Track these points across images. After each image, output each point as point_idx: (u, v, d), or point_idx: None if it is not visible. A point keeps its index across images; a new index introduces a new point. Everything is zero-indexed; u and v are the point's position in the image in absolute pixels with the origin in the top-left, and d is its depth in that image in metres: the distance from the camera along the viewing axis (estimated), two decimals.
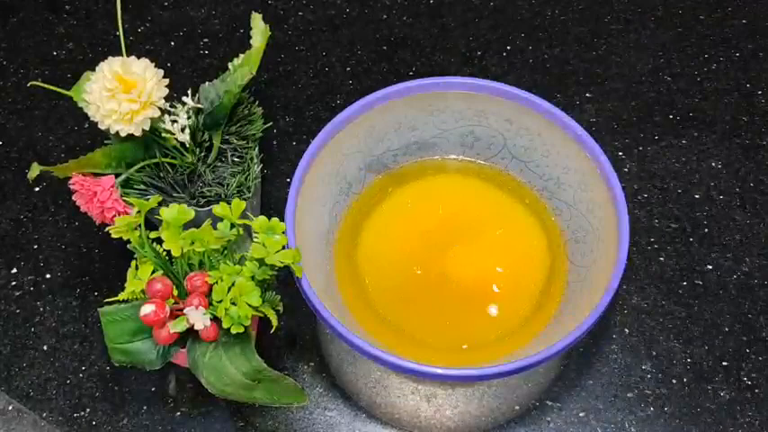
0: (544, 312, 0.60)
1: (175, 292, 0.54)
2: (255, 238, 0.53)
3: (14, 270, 0.68)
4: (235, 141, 0.64)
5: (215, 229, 0.53)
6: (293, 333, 0.65)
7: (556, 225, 0.64)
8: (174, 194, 0.62)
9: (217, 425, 0.61)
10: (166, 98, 0.58)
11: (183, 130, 0.60)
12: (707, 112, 0.76)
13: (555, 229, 0.63)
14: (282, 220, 0.54)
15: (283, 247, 0.53)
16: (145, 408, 0.62)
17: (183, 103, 0.62)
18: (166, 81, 0.58)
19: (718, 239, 0.69)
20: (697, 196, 0.71)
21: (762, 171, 0.73)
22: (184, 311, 0.53)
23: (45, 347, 0.65)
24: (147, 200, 0.53)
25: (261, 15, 0.62)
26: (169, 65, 0.80)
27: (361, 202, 0.65)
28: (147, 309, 0.52)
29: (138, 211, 0.53)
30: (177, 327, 0.52)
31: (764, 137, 0.75)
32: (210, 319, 0.53)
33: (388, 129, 0.65)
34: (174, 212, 0.53)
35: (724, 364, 0.63)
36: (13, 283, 0.68)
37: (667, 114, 0.76)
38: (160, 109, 0.58)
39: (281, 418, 0.62)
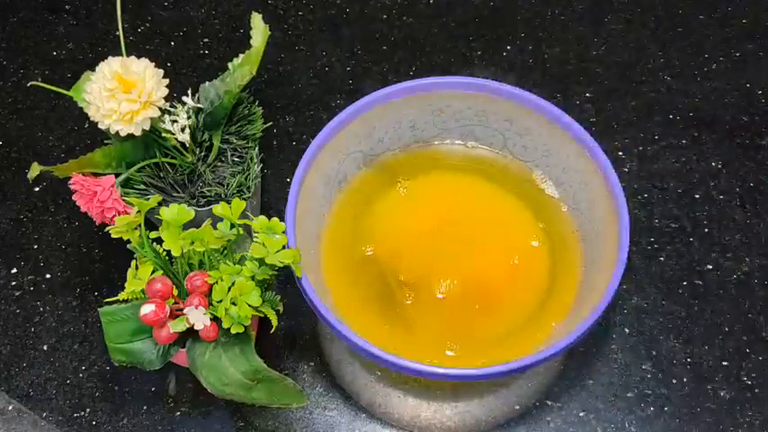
0: (546, 312, 0.60)
1: (175, 292, 0.54)
2: (255, 238, 0.53)
3: (14, 270, 0.68)
4: (235, 141, 0.64)
5: (215, 229, 0.54)
6: (293, 333, 0.65)
7: (556, 226, 0.63)
8: (174, 194, 0.62)
9: (217, 425, 0.61)
10: (166, 98, 0.58)
11: (183, 130, 0.60)
12: (707, 112, 0.76)
13: (555, 230, 0.63)
14: (282, 220, 0.54)
15: (283, 247, 0.53)
16: (145, 408, 0.62)
17: (183, 103, 0.62)
18: (166, 81, 0.58)
19: (718, 239, 0.69)
20: (697, 196, 0.71)
21: (762, 171, 0.73)
22: (184, 311, 0.53)
23: (45, 347, 0.65)
24: (147, 200, 0.53)
25: (261, 15, 0.62)
26: (169, 65, 0.80)
27: (360, 201, 0.65)
28: (147, 309, 0.52)
29: (138, 211, 0.53)
30: (177, 327, 0.52)
31: (764, 137, 0.75)
32: (210, 319, 0.53)
33: (387, 129, 0.65)
34: (174, 212, 0.53)
35: (724, 364, 0.63)
36: (13, 283, 0.68)
37: (667, 114, 0.76)
38: (160, 109, 0.58)
39: (280, 418, 0.62)
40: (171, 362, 0.57)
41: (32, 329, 0.66)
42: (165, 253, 0.55)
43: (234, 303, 0.53)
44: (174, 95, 0.61)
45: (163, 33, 0.83)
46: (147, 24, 0.83)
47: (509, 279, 0.62)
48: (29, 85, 0.78)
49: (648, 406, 0.62)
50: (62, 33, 0.83)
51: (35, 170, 0.56)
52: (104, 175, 0.58)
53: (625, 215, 0.57)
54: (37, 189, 0.73)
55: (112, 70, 0.56)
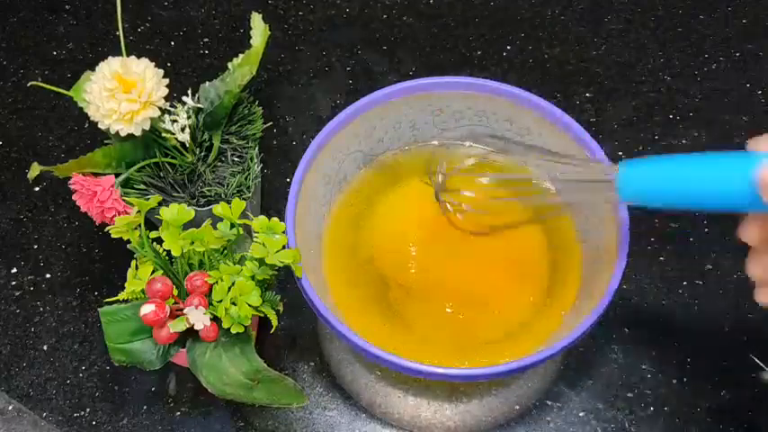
0: (546, 312, 0.60)
1: (175, 292, 0.54)
2: (255, 238, 0.53)
3: (14, 270, 0.68)
4: (235, 141, 0.64)
5: (215, 229, 0.54)
6: (293, 333, 0.65)
7: (556, 225, 0.63)
8: (174, 194, 0.62)
9: (217, 425, 0.61)
10: (166, 98, 0.58)
11: (183, 129, 0.60)
12: (707, 112, 0.76)
13: (555, 230, 0.63)
14: (282, 220, 0.54)
15: (283, 247, 0.53)
16: (145, 408, 0.62)
17: (183, 103, 0.62)
18: (166, 81, 0.58)
19: (718, 239, 0.69)
20: None
21: None
22: (184, 311, 0.53)
23: (45, 347, 0.65)
24: (147, 200, 0.53)
25: (261, 15, 0.62)
26: (169, 65, 0.80)
27: (360, 202, 0.65)
28: (147, 309, 0.52)
29: (138, 211, 0.53)
30: (177, 327, 0.52)
31: None
32: (210, 319, 0.53)
33: (387, 129, 0.65)
34: (174, 212, 0.53)
35: (724, 364, 0.63)
36: (13, 283, 0.68)
37: (667, 114, 0.76)
38: (160, 109, 0.58)
39: (281, 418, 0.62)
40: (171, 362, 0.57)
41: (32, 329, 0.66)
42: (165, 253, 0.55)
43: (234, 303, 0.53)
44: (174, 95, 0.61)
45: (163, 33, 0.83)
46: (147, 24, 0.83)
47: (509, 279, 0.62)
48: (29, 85, 0.78)
49: (648, 406, 0.62)
50: (62, 33, 0.83)
51: (35, 170, 0.56)
52: (104, 175, 0.58)
53: (625, 215, 0.57)
54: (37, 189, 0.73)
55: (112, 70, 0.56)
